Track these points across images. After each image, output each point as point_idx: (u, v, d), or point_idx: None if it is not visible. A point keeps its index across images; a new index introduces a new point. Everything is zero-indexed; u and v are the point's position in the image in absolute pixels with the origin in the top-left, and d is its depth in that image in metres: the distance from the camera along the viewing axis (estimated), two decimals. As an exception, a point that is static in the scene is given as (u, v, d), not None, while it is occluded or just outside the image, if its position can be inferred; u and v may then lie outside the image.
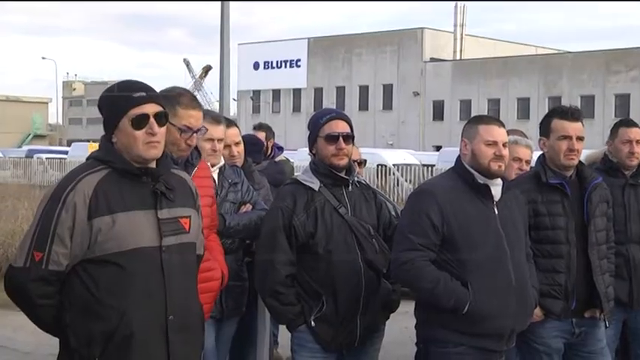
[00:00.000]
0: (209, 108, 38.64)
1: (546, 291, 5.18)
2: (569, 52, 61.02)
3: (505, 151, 4.78)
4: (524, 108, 57.10)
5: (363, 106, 63.75)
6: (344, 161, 5.03)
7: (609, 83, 54.90)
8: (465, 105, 56.90)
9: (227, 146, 5.73)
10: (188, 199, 3.85)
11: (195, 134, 4.64)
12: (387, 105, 62.90)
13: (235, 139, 6.00)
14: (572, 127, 5.38)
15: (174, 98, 4.52)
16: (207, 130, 4.88)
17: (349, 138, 5.06)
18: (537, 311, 5.11)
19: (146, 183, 3.62)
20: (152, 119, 3.56)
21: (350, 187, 5.10)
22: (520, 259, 4.80)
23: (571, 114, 5.49)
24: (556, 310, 5.26)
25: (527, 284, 4.82)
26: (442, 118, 59.20)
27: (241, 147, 6.21)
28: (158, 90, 4.01)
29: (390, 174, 26.44)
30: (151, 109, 3.58)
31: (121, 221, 3.50)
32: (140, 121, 3.53)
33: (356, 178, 5.22)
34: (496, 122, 4.88)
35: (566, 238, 5.31)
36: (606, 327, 5.59)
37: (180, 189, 3.80)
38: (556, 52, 63.29)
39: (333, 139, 4.99)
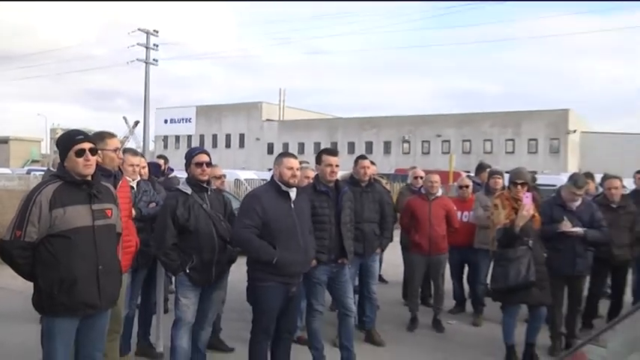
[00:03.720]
0: (137, 147, 37.74)
1: (319, 249, 5.20)
2: (342, 118, 61.88)
3: (297, 173, 4.83)
4: (317, 149, 57.16)
5: (228, 146, 62.99)
6: (206, 177, 4.97)
7: (362, 136, 55.89)
8: (285, 146, 56.84)
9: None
10: (110, 199, 3.88)
11: (119, 150, 4.72)
12: (242, 145, 62.32)
13: (143, 164, 5.88)
14: (333, 159, 5.44)
15: (103, 137, 4.53)
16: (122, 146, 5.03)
17: (209, 164, 5.00)
18: (314, 262, 5.16)
19: (85, 189, 3.67)
20: (87, 151, 3.64)
21: (209, 192, 5.02)
22: (306, 233, 4.85)
23: (332, 152, 5.60)
24: (323, 260, 5.32)
25: (309, 246, 4.88)
26: (272, 153, 59.00)
27: (146, 169, 6.13)
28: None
29: (242, 185, 26.34)
30: (86, 145, 3.65)
31: (69, 211, 3.56)
32: (80, 153, 3.62)
33: (212, 187, 5.13)
34: (292, 156, 4.91)
35: (329, 220, 5.37)
36: (349, 268, 5.69)
37: (106, 193, 3.84)
38: (335, 117, 64.03)
39: (200, 164, 4.93)
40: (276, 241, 4.61)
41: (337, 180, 5.58)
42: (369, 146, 55.40)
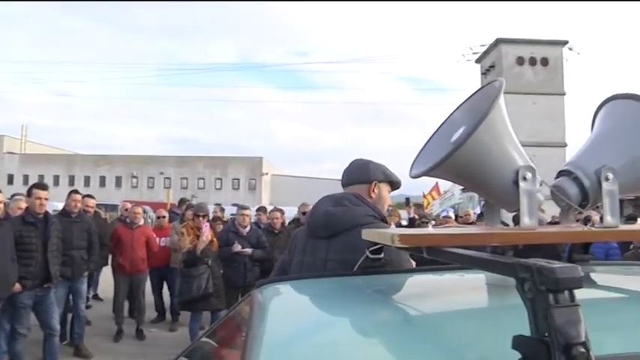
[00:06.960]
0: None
1: (24, 275, 4.71)
2: (79, 154, 55.72)
3: (1, 205, 4.55)
4: (56, 181, 49.44)
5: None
6: None
7: (97, 171, 51.28)
8: (26, 178, 48.10)
9: None
10: None
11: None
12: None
13: None
14: (42, 193, 4.96)
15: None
16: None
17: None
18: (18, 286, 4.70)
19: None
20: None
21: None
22: (7, 261, 4.42)
23: (42, 186, 5.13)
24: (29, 285, 4.80)
25: (9, 274, 4.47)
26: (12, 184, 49.19)
27: None
28: None
29: None
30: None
31: None
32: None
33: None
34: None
35: (36, 249, 4.90)
36: (55, 292, 5.27)
37: None
38: (74, 153, 57.20)
39: None
40: None
41: (47, 212, 5.20)
42: (102, 180, 52.02)
